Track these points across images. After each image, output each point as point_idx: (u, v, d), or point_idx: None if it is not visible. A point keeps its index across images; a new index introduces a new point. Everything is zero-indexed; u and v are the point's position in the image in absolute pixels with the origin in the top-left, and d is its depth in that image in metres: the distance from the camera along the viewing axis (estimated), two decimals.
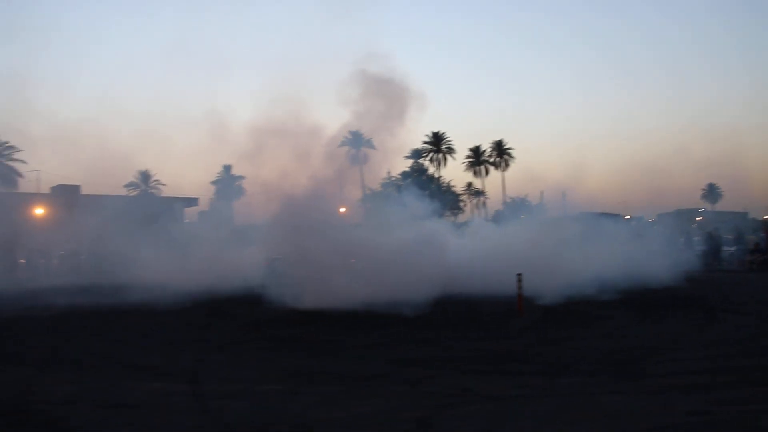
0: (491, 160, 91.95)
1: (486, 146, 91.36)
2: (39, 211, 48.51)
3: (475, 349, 10.54)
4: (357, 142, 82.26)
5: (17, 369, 9.43)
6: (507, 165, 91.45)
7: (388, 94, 20.20)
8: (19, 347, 11.50)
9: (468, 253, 18.96)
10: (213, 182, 41.39)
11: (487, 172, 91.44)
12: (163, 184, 70.66)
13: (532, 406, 6.91)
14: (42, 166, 74.00)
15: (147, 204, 40.28)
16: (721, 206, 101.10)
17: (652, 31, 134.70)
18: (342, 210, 29.09)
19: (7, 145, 65.89)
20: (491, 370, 8.85)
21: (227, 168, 35.64)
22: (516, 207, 47.70)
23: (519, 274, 14.63)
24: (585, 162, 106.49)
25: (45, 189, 59.86)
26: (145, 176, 72.86)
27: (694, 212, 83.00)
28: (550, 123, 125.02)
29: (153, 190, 70.73)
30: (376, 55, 20.98)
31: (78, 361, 9.99)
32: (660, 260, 21.95)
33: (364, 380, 8.26)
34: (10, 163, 66.62)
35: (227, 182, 38.02)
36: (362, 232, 19.76)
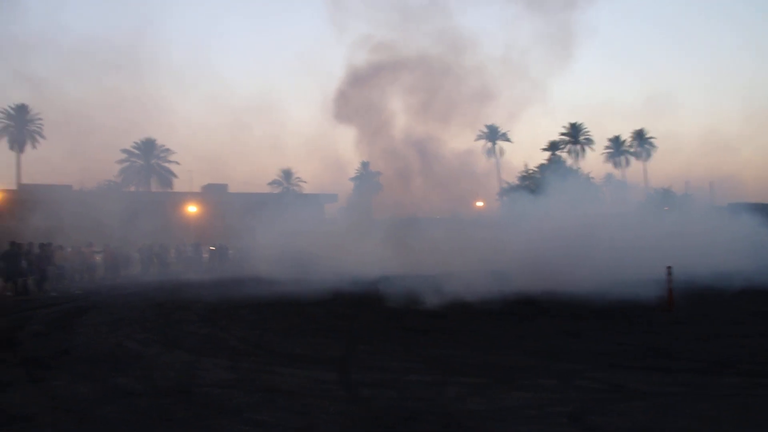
0: (632, 150, 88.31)
1: (626, 136, 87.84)
2: (191, 208, 51.61)
3: (624, 343, 10.14)
4: (493, 136, 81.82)
5: (179, 353, 10.04)
6: (649, 155, 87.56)
7: None
8: (179, 333, 12.27)
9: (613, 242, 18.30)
10: (352, 179, 42.39)
11: (627, 163, 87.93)
12: (304, 182, 73.32)
13: (691, 405, 6.56)
14: (194, 167, 78.65)
15: (289, 201, 41.79)
16: None
17: None
18: (479, 203, 29.01)
19: (164, 148, 70.71)
20: (642, 365, 8.46)
21: (365, 164, 36.35)
22: (659, 198, 45.60)
23: (669, 267, 13.98)
24: (737, 148, 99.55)
25: (196, 188, 63.51)
26: (287, 174, 75.71)
27: None
28: (696, 107, 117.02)
29: (294, 187, 73.43)
30: None
31: (233, 347, 10.53)
32: None
33: (511, 372, 8.14)
34: (166, 164, 71.41)
35: (365, 178, 38.75)
36: (499, 225, 19.60)
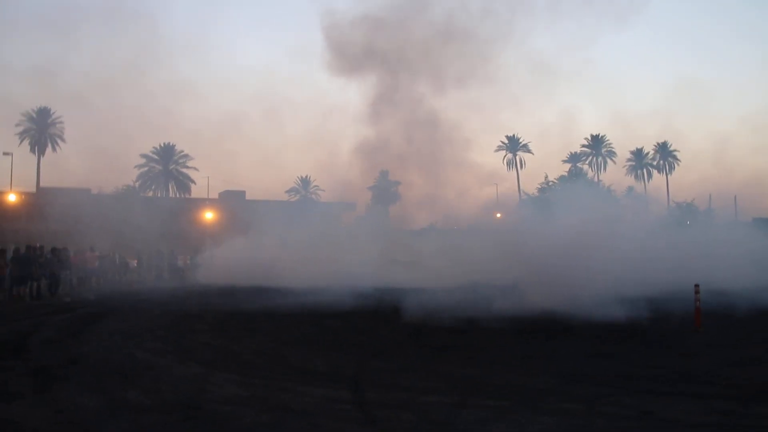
0: (654, 162, 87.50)
1: (649, 148, 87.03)
2: (208, 215, 51.61)
3: (652, 365, 9.72)
4: (513, 147, 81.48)
5: (190, 365, 9.76)
6: (672, 168, 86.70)
7: None
8: (192, 344, 12.01)
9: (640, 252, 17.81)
10: (370, 187, 42.14)
11: (650, 176, 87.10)
12: (322, 190, 73.24)
13: None
14: (212, 172, 78.94)
15: (307, 209, 41.63)
16: None
17: None
18: (498, 215, 28.62)
19: (182, 153, 71.09)
20: (673, 391, 8.05)
21: (384, 173, 36.14)
22: (681, 213, 45.06)
23: (696, 285, 13.51)
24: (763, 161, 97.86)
25: (214, 195, 63.62)
26: (306, 182, 75.69)
27: None
28: (720, 119, 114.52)
29: (313, 196, 73.35)
30: None
31: (245, 361, 10.24)
32: None
33: (534, 395, 7.76)
34: (184, 170, 71.76)
35: (384, 187, 38.51)
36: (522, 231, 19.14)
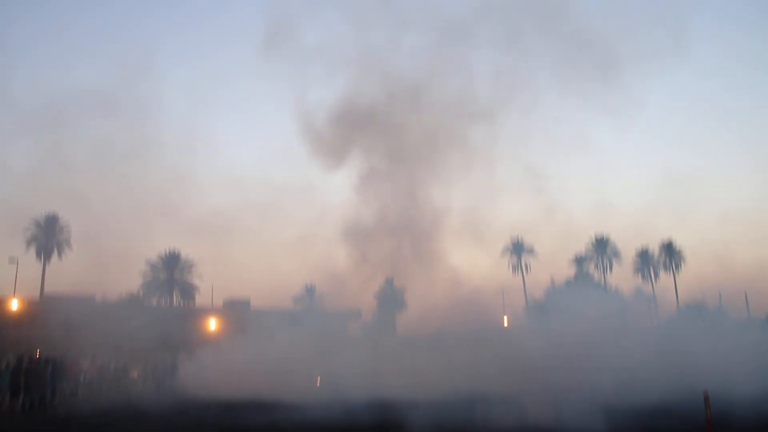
0: (660, 263, 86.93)
1: (654, 247, 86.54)
2: (212, 324, 51.17)
3: None
4: (518, 250, 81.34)
5: None
6: (678, 267, 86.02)
7: None
8: None
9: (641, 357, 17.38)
10: (375, 295, 41.74)
11: (656, 276, 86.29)
12: (328, 298, 72.41)
13: None
14: (215, 280, 78.49)
15: (312, 318, 41.14)
16: None
17: None
18: (505, 321, 28.41)
19: (187, 262, 71.25)
20: None
21: (389, 281, 35.87)
22: (691, 313, 44.31)
23: (706, 394, 12.89)
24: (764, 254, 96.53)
25: (218, 300, 63.26)
26: (311, 290, 75.13)
27: None
28: (727, 211, 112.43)
29: (318, 305, 72.61)
30: None
31: None
32: None
33: None
34: (189, 277, 71.64)
35: (389, 295, 38.18)
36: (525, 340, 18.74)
